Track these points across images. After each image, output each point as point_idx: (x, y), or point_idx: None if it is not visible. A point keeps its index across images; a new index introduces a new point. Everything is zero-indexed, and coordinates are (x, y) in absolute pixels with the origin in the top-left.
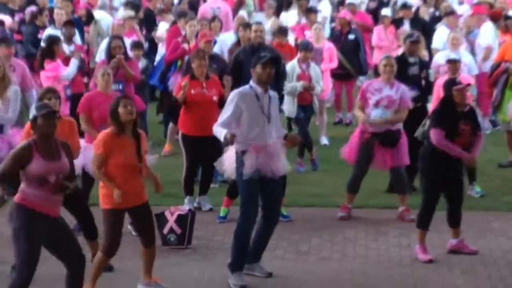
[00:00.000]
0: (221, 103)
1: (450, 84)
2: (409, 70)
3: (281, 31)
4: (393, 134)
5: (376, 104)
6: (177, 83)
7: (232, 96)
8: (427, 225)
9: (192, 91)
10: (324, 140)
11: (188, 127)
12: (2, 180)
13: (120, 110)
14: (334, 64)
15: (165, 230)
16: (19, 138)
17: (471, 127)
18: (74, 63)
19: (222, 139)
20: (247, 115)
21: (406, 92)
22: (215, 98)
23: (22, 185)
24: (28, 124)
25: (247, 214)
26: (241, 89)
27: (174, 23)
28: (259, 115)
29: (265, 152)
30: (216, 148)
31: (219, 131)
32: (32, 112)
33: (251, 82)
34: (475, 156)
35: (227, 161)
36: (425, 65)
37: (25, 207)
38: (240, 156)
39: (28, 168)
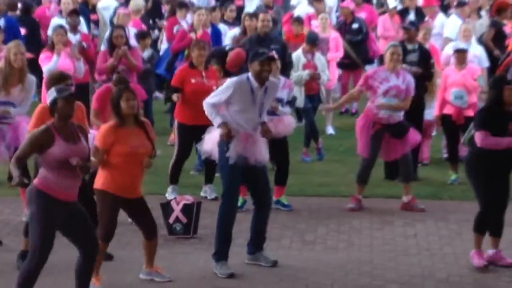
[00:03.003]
0: None
1: (501, 82)
2: (407, 57)
3: (297, 21)
4: (403, 126)
5: (385, 94)
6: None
7: (229, 83)
8: (485, 230)
9: (193, 80)
10: (330, 130)
11: (185, 116)
12: (19, 163)
13: (122, 104)
14: (340, 54)
15: (171, 220)
16: (26, 125)
17: None
18: (54, 60)
19: (214, 123)
20: (238, 104)
21: (411, 82)
22: (214, 88)
23: (42, 170)
24: (39, 107)
25: (229, 202)
26: (238, 78)
27: (171, 14)
28: (250, 107)
29: (251, 140)
30: None
31: (211, 112)
32: (52, 94)
33: (249, 74)
34: None
35: (209, 142)
36: (425, 53)
37: (43, 192)
38: (224, 142)
39: (50, 152)
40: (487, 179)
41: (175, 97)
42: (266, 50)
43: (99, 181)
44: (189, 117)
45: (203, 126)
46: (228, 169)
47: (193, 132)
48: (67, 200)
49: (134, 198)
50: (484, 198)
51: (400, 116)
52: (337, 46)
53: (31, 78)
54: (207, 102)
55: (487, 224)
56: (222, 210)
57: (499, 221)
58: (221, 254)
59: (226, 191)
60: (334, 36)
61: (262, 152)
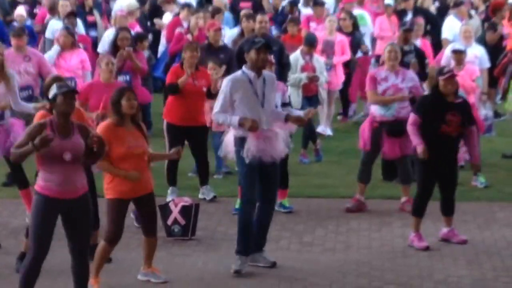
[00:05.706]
0: (209, 93)
1: (438, 73)
2: (404, 58)
3: (293, 22)
4: (401, 124)
5: (383, 94)
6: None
7: (225, 83)
8: (422, 213)
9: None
10: (328, 131)
11: (174, 117)
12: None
13: (123, 102)
14: (347, 57)
15: (169, 221)
16: (19, 128)
17: (460, 119)
18: (54, 49)
19: (233, 124)
20: (241, 101)
21: (415, 79)
22: (204, 89)
23: (39, 173)
24: (40, 113)
25: (249, 199)
26: (233, 75)
27: (177, 14)
28: (253, 100)
29: (264, 137)
30: (204, 137)
31: (225, 118)
32: (53, 90)
33: (244, 67)
34: (477, 158)
35: (228, 144)
36: (421, 53)
37: (40, 194)
38: (239, 142)
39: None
40: (430, 165)
41: (182, 79)
42: (262, 39)
43: (106, 190)
44: (178, 118)
45: (193, 127)
46: (245, 169)
47: (182, 132)
48: (65, 197)
49: (144, 194)
50: (422, 184)
51: (395, 114)
52: (343, 49)
53: (10, 71)
54: (214, 113)
55: (424, 208)
56: (243, 207)
57: (451, 202)
58: (241, 249)
59: (246, 191)
60: (340, 39)
61: (277, 148)
